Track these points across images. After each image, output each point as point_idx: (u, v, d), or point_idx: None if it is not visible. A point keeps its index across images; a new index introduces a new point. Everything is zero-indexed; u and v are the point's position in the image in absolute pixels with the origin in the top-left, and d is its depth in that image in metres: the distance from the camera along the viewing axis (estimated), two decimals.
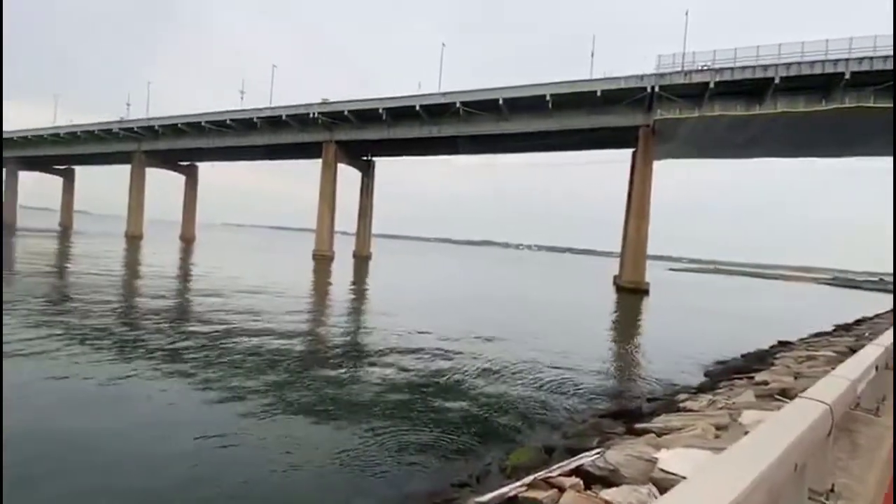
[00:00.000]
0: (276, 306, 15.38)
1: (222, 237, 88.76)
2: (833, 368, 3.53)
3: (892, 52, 26.94)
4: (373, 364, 9.47)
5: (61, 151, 65.55)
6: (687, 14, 34.55)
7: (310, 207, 49.26)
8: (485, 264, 70.79)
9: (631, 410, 7.31)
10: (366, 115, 43.99)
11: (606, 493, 3.12)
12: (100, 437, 5.26)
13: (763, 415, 4.39)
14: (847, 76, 28.47)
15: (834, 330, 18.71)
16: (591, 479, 3.46)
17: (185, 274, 25.45)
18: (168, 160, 62.58)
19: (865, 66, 28.24)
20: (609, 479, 3.40)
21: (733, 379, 8.63)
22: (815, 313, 29.68)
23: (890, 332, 5.38)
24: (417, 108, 40.49)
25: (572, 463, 3.82)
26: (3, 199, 73.28)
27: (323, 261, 43.51)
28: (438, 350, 10.98)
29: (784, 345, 14.43)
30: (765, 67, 30.26)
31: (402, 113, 42.11)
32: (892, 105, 26.79)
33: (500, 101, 37.29)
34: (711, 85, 31.24)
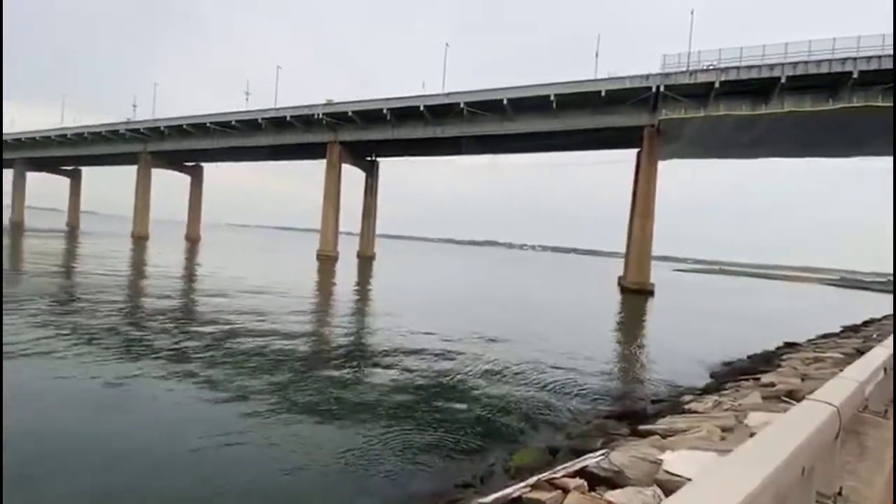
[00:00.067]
0: (280, 306, 15.43)
1: (227, 237, 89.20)
2: (841, 370, 3.50)
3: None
4: (376, 364, 9.48)
5: (68, 152, 66.12)
6: (692, 13, 34.37)
7: (314, 208, 49.46)
8: (488, 264, 70.75)
9: (635, 412, 7.28)
10: (370, 116, 44.06)
11: (611, 495, 3.10)
12: (105, 436, 5.30)
13: (770, 417, 4.35)
14: (855, 75, 28.20)
15: (841, 331, 18.56)
16: (596, 481, 3.44)
17: (190, 274, 25.58)
18: (173, 161, 62.94)
19: (874, 65, 27.95)
20: (613, 481, 3.38)
21: (739, 380, 8.57)
22: (821, 314, 29.44)
23: None
24: (421, 108, 40.51)
25: (576, 464, 3.80)
26: (12, 200, 74.15)
27: (327, 261, 43.61)
28: (442, 350, 10.98)
29: (791, 346, 14.33)
30: (771, 67, 30.02)
31: (406, 113, 42.14)
32: None
33: (505, 102, 37.23)
34: (717, 84, 31.03)
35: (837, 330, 19.03)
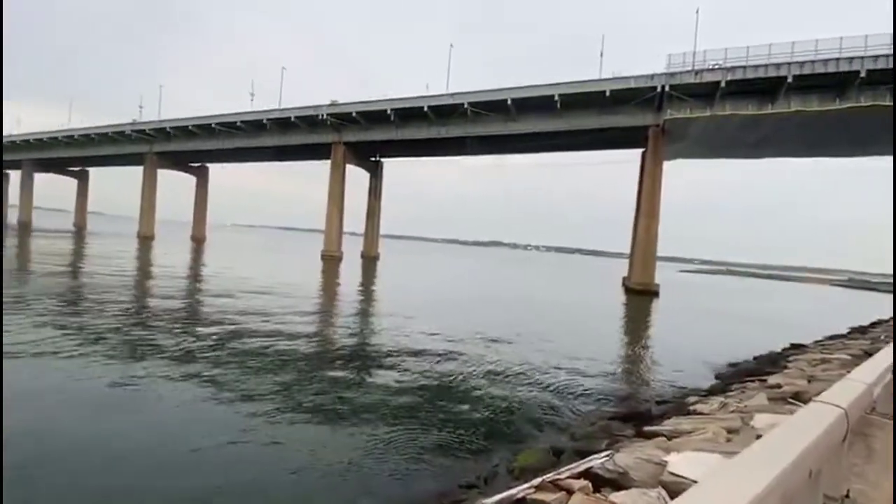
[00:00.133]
0: (285, 307, 15.49)
1: (232, 238, 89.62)
2: (848, 372, 3.47)
3: None
4: (380, 365, 9.49)
5: (75, 153, 66.69)
6: (697, 12, 34.22)
7: (319, 208, 49.66)
8: (493, 265, 70.67)
9: (640, 413, 7.25)
10: (374, 116, 44.16)
11: (615, 496, 3.09)
12: (109, 436, 5.33)
13: (776, 418, 4.32)
14: (862, 74, 27.97)
15: (849, 332, 18.40)
16: (600, 482, 3.43)
17: (195, 274, 25.71)
18: (179, 162, 63.38)
19: (881, 64, 27.71)
20: (618, 482, 3.37)
21: (745, 382, 8.51)
22: (828, 315, 29.20)
23: None
24: (425, 108, 40.56)
25: (581, 465, 3.79)
26: (20, 201, 74.90)
27: (331, 261, 43.72)
28: (446, 351, 10.98)
29: (797, 347, 14.21)
30: (777, 66, 29.83)
31: (410, 114, 42.20)
32: None
33: (509, 102, 37.21)
34: (723, 84, 30.86)
35: (845, 331, 18.87)
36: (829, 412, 2.11)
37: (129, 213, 73.07)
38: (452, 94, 39.95)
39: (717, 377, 10.50)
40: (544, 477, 3.60)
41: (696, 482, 1.36)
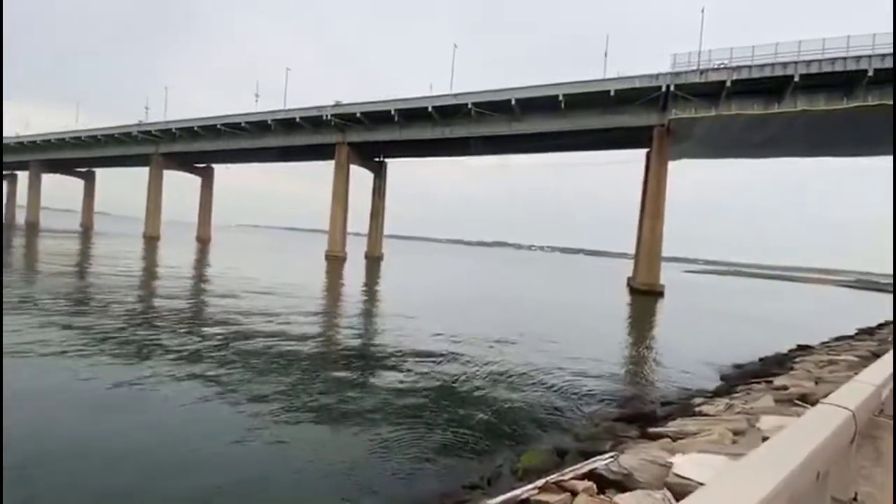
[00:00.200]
0: (290, 307, 15.53)
1: (237, 238, 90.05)
2: (856, 373, 3.43)
3: None
4: (384, 366, 9.50)
5: (82, 154, 67.24)
6: (703, 11, 34.06)
7: (324, 209, 49.76)
8: (497, 265, 70.61)
9: (645, 414, 7.21)
10: (378, 117, 44.24)
11: (620, 498, 3.07)
12: (113, 436, 5.36)
13: (782, 420, 4.28)
14: (870, 73, 27.75)
15: (856, 334, 18.24)
16: (605, 483, 3.41)
17: (200, 274, 25.85)
18: (184, 162, 63.71)
19: (889, 63, 27.44)
20: (623, 484, 3.35)
21: (751, 383, 8.45)
22: (836, 316, 28.97)
23: None
24: (429, 109, 40.59)
25: (585, 466, 3.77)
26: (28, 202, 75.63)
27: (336, 261, 43.83)
28: (449, 351, 10.97)
29: (804, 349, 14.10)
30: (784, 65, 29.62)
31: (413, 114, 42.25)
32: None
33: (513, 102, 37.18)
34: (728, 83, 30.69)
35: (852, 332, 18.70)
36: (836, 414, 2.09)
37: (135, 214, 73.60)
38: (456, 95, 39.96)
39: (722, 378, 10.44)
40: (548, 478, 3.59)
41: (701, 484, 1.35)
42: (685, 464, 3.27)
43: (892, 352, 4.23)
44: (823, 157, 42.30)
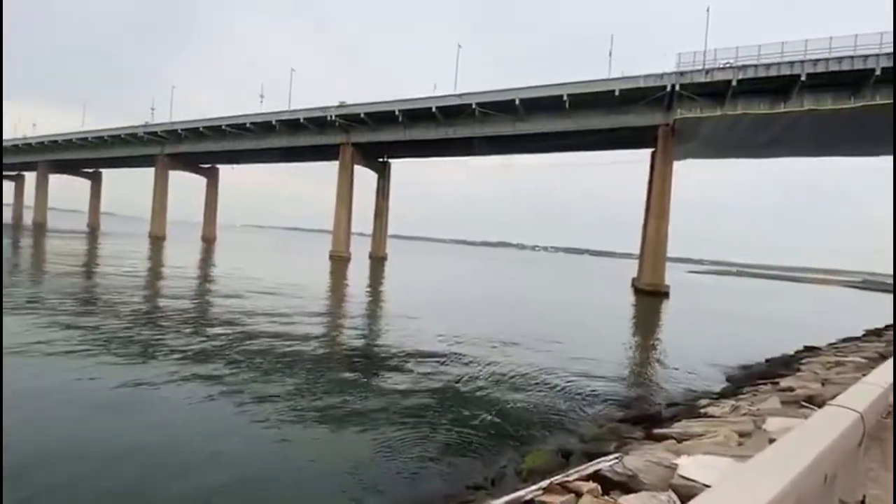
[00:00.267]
0: (294, 308, 15.58)
1: (242, 238, 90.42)
2: (863, 375, 3.40)
3: None
4: (387, 366, 9.51)
5: (89, 155, 67.76)
6: (708, 11, 33.90)
7: (328, 209, 49.93)
8: (501, 265, 70.54)
9: (650, 415, 7.17)
10: (382, 117, 44.31)
11: (625, 500, 3.05)
12: (117, 435, 5.38)
13: (788, 422, 4.25)
14: (878, 72, 27.51)
15: (864, 335, 18.07)
16: (609, 485, 3.40)
17: (205, 275, 25.98)
18: (190, 163, 64.09)
19: None
20: (627, 485, 3.33)
21: (757, 384, 8.38)
22: (843, 317, 28.73)
23: None
24: (433, 109, 40.59)
25: (590, 467, 3.76)
26: (35, 202, 76.28)
27: (340, 262, 43.93)
28: (453, 353, 10.97)
29: (811, 350, 13.98)
30: (791, 64, 29.40)
31: (417, 115, 42.28)
32: None
33: (517, 102, 37.11)
34: (734, 83, 30.50)
35: (860, 333, 18.53)
36: (844, 416, 2.07)
37: (141, 214, 74.18)
38: (460, 95, 39.95)
39: (728, 380, 10.37)
40: (552, 479, 3.58)
41: (706, 486, 1.34)
42: (690, 465, 3.25)
43: None
44: (831, 157, 41.96)
